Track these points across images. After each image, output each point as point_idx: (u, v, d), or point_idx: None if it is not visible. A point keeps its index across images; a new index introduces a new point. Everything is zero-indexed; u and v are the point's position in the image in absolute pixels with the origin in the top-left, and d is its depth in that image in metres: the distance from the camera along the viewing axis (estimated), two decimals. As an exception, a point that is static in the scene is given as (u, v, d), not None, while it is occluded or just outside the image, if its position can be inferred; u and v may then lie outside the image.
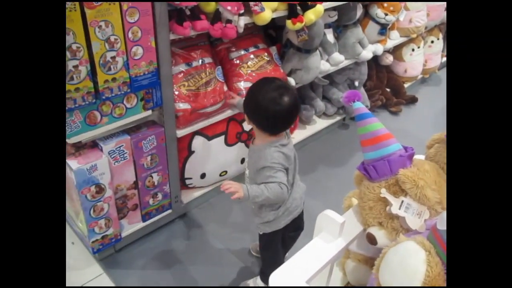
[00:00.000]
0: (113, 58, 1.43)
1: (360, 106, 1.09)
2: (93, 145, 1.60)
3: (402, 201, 0.98)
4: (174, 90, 1.76)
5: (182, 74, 1.80)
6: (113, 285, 1.73)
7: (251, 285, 1.74)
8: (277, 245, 1.56)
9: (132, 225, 1.87)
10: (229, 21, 1.74)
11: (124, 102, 1.57)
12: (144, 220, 1.90)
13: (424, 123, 3.05)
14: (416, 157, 1.17)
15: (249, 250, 1.93)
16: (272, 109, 1.29)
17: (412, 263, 0.81)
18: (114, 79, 1.47)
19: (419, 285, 0.79)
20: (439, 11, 3.30)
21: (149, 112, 1.71)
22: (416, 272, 0.80)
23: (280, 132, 1.38)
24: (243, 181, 1.47)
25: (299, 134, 2.65)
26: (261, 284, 1.70)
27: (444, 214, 0.87)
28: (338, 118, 2.90)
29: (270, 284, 0.93)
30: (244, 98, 1.42)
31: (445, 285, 0.81)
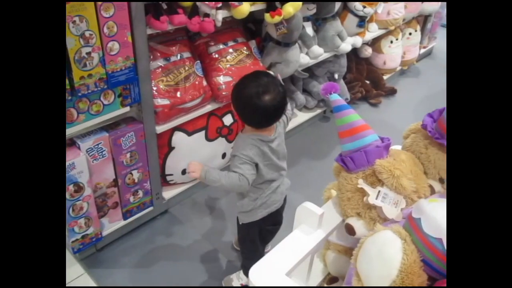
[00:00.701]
0: (88, 54, 1.40)
1: (337, 98, 1.10)
2: (71, 143, 1.57)
3: (379, 191, 1.00)
4: (153, 85, 1.74)
5: (160, 69, 1.79)
6: (95, 285, 1.71)
7: (234, 279, 1.74)
8: (254, 237, 1.58)
9: (113, 224, 1.85)
10: (207, 15, 1.72)
11: (101, 98, 1.55)
12: (125, 218, 1.89)
13: (403, 114, 3.09)
14: (394, 147, 1.18)
15: (232, 244, 1.93)
16: (255, 105, 1.29)
17: (389, 252, 0.82)
18: (90, 76, 1.44)
19: (396, 272, 0.80)
20: (417, 4, 3.34)
21: (128, 108, 1.69)
22: (392, 260, 0.81)
23: (264, 127, 1.38)
24: None
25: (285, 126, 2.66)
26: (244, 278, 1.70)
27: (420, 202, 0.89)
28: (318, 110, 2.92)
29: (250, 278, 0.94)
30: (233, 87, 1.41)
31: (421, 271, 0.82)
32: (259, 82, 1.31)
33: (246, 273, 1.68)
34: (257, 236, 1.58)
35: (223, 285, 1.76)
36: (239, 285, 1.72)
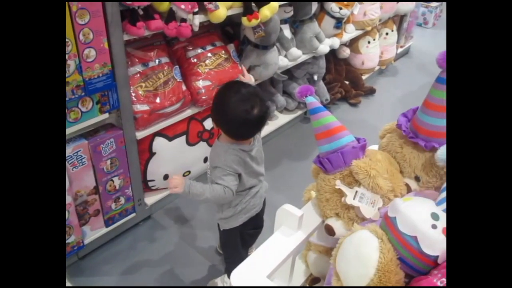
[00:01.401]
0: (64, 61, 1.39)
1: (313, 100, 1.12)
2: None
3: (356, 192, 1.01)
4: (131, 91, 1.73)
5: (138, 75, 1.78)
6: (78, 293, 1.70)
7: (219, 283, 1.74)
8: (236, 242, 1.58)
9: (95, 231, 1.83)
10: (183, 20, 1.73)
11: (79, 106, 1.53)
12: (107, 225, 1.87)
13: (382, 113, 3.13)
14: (372, 147, 1.21)
15: (215, 248, 1.94)
16: (241, 120, 1.28)
17: (366, 251, 0.84)
18: (67, 83, 1.43)
19: (373, 271, 0.82)
20: (392, 4, 3.39)
21: (106, 115, 1.68)
22: (369, 259, 0.83)
23: (245, 139, 1.38)
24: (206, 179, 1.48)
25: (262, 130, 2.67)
26: (229, 281, 1.71)
27: (395, 201, 0.90)
28: (299, 112, 2.94)
29: (232, 282, 0.94)
30: (212, 102, 1.38)
31: (398, 269, 0.84)
32: (241, 92, 1.29)
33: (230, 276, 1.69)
34: (239, 241, 1.58)
35: None
36: None
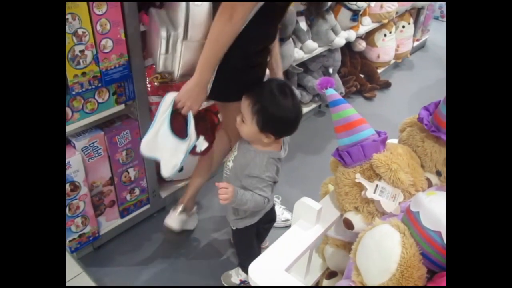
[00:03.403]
0: (81, 52, 1.39)
1: (333, 92, 1.10)
2: (66, 142, 1.56)
3: (377, 185, 1.00)
4: (147, 83, 1.73)
5: (154, 66, 1.77)
6: (93, 284, 1.70)
7: (233, 275, 1.74)
8: (252, 239, 1.57)
9: (110, 222, 1.84)
10: (200, 11, 1.71)
11: (96, 96, 1.54)
12: (122, 216, 1.88)
13: (398, 108, 3.09)
14: (390, 141, 1.19)
15: (229, 240, 1.93)
16: (289, 115, 1.28)
17: (388, 246, 0.83)
18: (84, 74, 1.43)
19: (395, 266, 0.81)
20: (409, -4, 3.34)
21: (122, 106, 1.68)
22: (391, 254, 0.81)
23: (287, 135, 1.39)
24: (222, 172, 1.48)
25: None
26: (243, 274, 1.71)
27: (418, 195, 0.89)
28: (314, 105, 2.92)
29: (250, 275, 0.94)
30: (254, 108, 1.28)
31: (420, 265, 0.82)
32: (281, 87, 1.29)
33: (245, 270, 1.69)
34: (254, 238, 1.57)
35: (222, 281, 1.76)
36: (238, 281, 1.73)
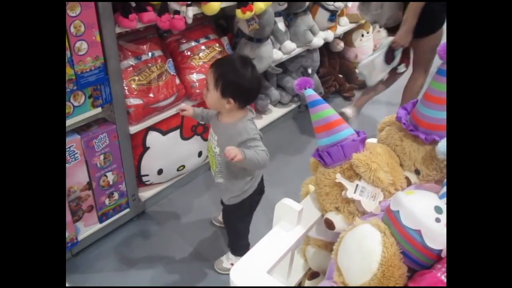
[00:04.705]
0: (55, 54, 1.36)
1: (312, 93, 1.09)
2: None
3: (357, 185, 1.00)
4: (124, 85, 1.71)
5: (131, 68, 1.75)
6: (72, 290, 1.67)
7: (224, 260, 1.78)
8: (245, 213, 1.64)
9: (88, 227, 1.81)
10: (177, 12, 1.70)
11: (71, 100, 1.50)
12: (101, 221, 1.85)
13: (376, 107, 3.12)
14: (369, 140, 1.19)
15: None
16: (250, 82, 1.39)
17: (369, 245, 0.83)
18: (58, 77, 1.40)
19: (376, 265, 0.81)
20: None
21: (99, 109, 1.65)
22: (372, 254, 0.81)
23: (251, 102, 1.54)
24: (214, 165, 1.55)
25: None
26: (234, 257, 1.75)
27: (397, 194, 0.89)
28: (293, 106, 2.92)
29: (231, 278, 0.93)
30: (215, 75, 1.39)
31: (401, 263, 0.83)
32: (240, 59, 1.44)
33: (234, 252, 1.75)
34: (249, 210, 1.64)
35: (215, 268, 1.79)
36: (230, 265, 1.75)
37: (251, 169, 1.51)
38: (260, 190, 1.63)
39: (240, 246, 1.72)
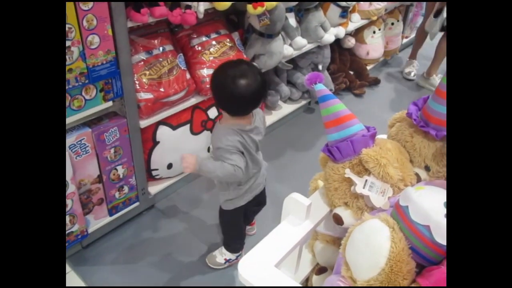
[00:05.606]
0: (68, 48, 1.37)
1: (322, 88, 1.09)
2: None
3: (366, 180, 1.00)
4: (135, 79, 1.71)
5: (142, 62, 1.76)
6: (82, 282, 1.68)
7: (218, 255, 1.77)
8: (239, 221, 1.63)
9: (98, 220, 1.82)
10: (188, 7, 1.70)
11: (83, 93, 1.52)
12: (110, 214, 1.86)
13: (387, 104, 3.11)
14: (379, 137, 1.19)
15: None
16: (231, 90, 1.31)
17: (377, 240, 0.83)
18: (70, 70, 1.41)
19: (385, 261, 0.81)
20: (398, -7, 3.35)
21: (110, 103, 1.66)
22: (381, 249, 0.81)
23: (239, 115, 1.39)
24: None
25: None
26: (227, 253, 1.75)
27: (407, 190, 0.89)
28: (303, 102, 2.92)
29: (239, 271, 0.93)
30: (210, 84, 1.42)
31: (409, 259, 0.83)
32: (237, 68, 1.33)
33: (228, 249, 1.74)
34: (242, 219, 1.63)
35: (207, 263, 1.78)
36: (223, 260, 1.76)
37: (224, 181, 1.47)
38: (257, 202, 1.62)
39: (234, 245, 1.74)
